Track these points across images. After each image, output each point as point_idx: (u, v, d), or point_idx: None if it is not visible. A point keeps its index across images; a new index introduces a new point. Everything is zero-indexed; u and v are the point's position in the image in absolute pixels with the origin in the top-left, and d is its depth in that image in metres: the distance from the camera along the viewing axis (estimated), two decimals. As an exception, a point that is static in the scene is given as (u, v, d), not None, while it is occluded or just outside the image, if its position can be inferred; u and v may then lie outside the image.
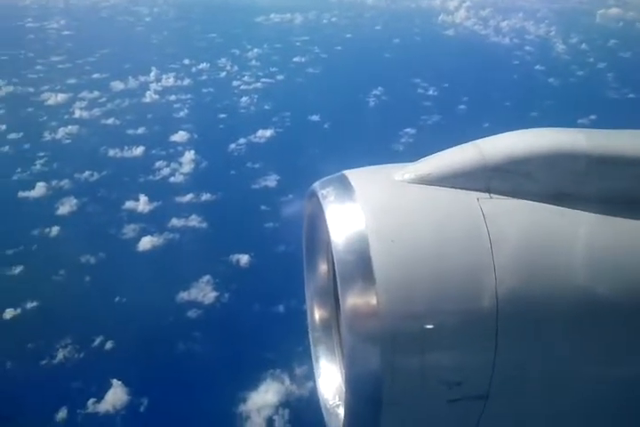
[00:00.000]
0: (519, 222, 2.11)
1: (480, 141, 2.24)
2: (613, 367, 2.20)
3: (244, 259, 41.70)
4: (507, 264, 2.02)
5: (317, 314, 2.55)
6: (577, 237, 2.13)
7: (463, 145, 2.27)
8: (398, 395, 2.02)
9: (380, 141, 59.60)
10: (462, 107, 75.66)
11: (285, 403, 29.74)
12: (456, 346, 2.04)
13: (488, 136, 2.23)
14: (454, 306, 2.01)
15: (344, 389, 2.14)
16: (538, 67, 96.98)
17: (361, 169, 2.36)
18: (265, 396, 30.02)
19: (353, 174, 2.26)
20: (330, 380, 2.47)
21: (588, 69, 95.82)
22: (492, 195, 2.15)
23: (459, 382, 2.04)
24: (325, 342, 2.54)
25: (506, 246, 2.04)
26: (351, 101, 77.65)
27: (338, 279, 1.98)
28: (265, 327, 33.71)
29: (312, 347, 2.54)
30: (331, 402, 2.43)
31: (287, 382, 30.56)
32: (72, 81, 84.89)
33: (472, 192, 2.15)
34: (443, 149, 2.28)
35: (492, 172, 2.15)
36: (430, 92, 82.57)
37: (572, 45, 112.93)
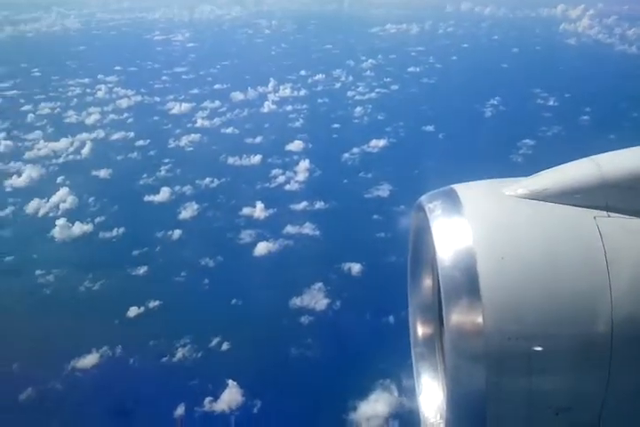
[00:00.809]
0: (638, 242, 2.01)
1: (598, 157, 2.18)
2: None
3: (355, 268, 41.79)
4: (624, 286, 1.93)
5: (420, 330, 2.52)
6: None
7: (580, 160, 2.21)
8: (502, 418, 1.97)
9: (498, 152, 58.10)
10: (585, 117, 72.71)
11: (395, 414, 29.44)
12: (566, 370, 1.96)
13: (612, 150, 2.20)
14: (566, 329, 1.94)
15: (445, 407, 2.10)
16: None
17: (470, 183, 2.32)
18: (375, 405, 29.85)
19: (462, 188, 2.23)
20: (431, 397, 2.42)
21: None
22: (610, 213, 2.07)
23: (568, 408, 1.97)
24: (428, 358, 2.50)
25: (624, 268, 1.95)
26: (467, 112, 76.34)
27: (443, 295, 1.95)
28: (375, 337, 33.56)
29: (414, 363, 2.50)
30: (432, 420, 2.40)
31: (396, 393, 30.27)
32: (195, 91, 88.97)
33: (589, 210, 2.07)
34: (563, 163, 2.23)
35: (611, 189, 2.07)
36: (551, 103, 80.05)
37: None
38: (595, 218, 2.06)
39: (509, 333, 1.91)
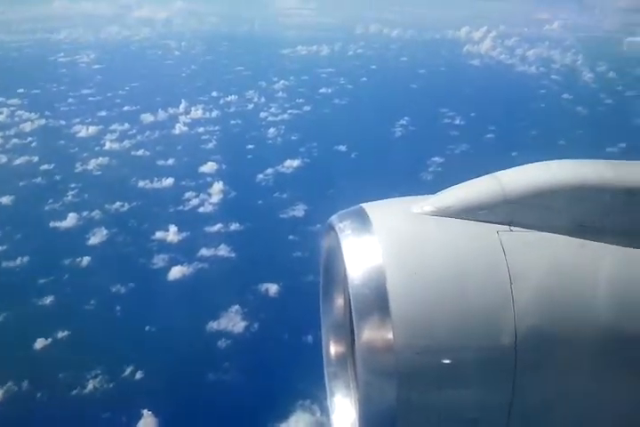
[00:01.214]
0: (540, 256, 2.08)
1: (500, 173, 2.24)
2: (637, 407, 2.11)
3: (272, 288, 41.66)
4: (526, 299, 1.99)
5: (333, 348, 2.50)
6: (599, 271, 2.08)
7: (483, 177, 2.26)
8: None
9: (408, 170, 59.63)
10: (490, 136, 75.75)
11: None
12: (473, 383, 2.00)
13: (517, 166, 2.24)
14: (472, 342, 1.98)
15: (358, 425, 2.11)
16: (565, 95, 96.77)
17: (379, 202, 2.34)
18: (296, 426, 29.65)
19: (371, 207, 2.24)
20: (344, 415, 2.41)
21: (616, 98, 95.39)
22: (512, 228, 2.13)
23: (476, 420, 2.02)
24: (341, 376, 2.49)
25: (526, 281, 2.01)
26: (378, 131, 78.14)
27: (353, 313, 1.96)
28: (294, 357, 33.38)
29: (327, 382, 2.49)
30: None
31: (318, 413, 30.13)
32: (103, 113, 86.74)
33: (492, 225, 2.13)
34: (471, 179, 2.28)
35: (513, 204, 2.13)
36: (457, 122, 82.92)
37: (599, 74, 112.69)
38: (498, 233, 2.12)
39: (418, 348, 1.93)
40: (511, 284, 2.00)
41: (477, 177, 2.28)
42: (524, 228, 2.14)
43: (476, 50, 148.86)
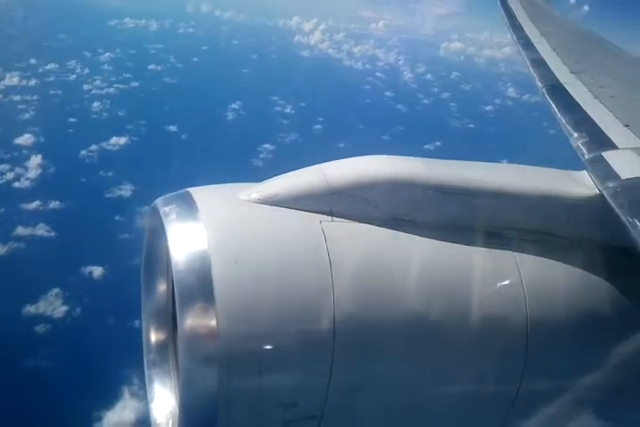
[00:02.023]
0: (358, 246, 2.21)
1: (325, 165, 2.37)
2: (445, 386, 2.32)
3: (97, 271, 39.98)
4: (345, 286, 2.10)
5: (154, 335, 2.47)
6: (411, 260, 2.27)
7: (309, 168, 2.38)
8: (234, 418, 2.03)
9: (240, 156, 59.72)
10: (318, 126, 77.82)
11: (143, 420, 28.75)
12: (292, 367, 2.08)
13: (343, 158, 2.40)
14: (293, 327, 2.06)
15: (177, 412, 2.12)
16: (388, 93, 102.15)
17: (206, 187, 2.37)
18: (122, 413, 28.89)
19: (197, 192, 2.26)
20: (163, 403, 2.39)
21: (433, 98, 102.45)
22: (334, 218, 2.25)
23: (294, 403, 2.10)
24: (161, 364, 2.45)
25: (345, 269, 2.12)
26: (209, 114, 77.21)
27: (177, 300, 1.96)
28: (120, 343, 32.37)
29: (146, 369, 2.46)
30: (163, 426, 2.39)
31: (145, 399, 29.57)
32: None
33: (315, 215, 2.24)
34: (300, 168, 2.39)
35: (335, 195, 2.27)
36: (288, 110, 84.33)
37: (418, 75, 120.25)
38: (320, 222, 2.21)
39: (241, 334, 1.97)
40: (331, 271, 2.10)
41: (306, 166, 2.38)
42: (345, 218, 2.25)
43: (306, 41, 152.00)
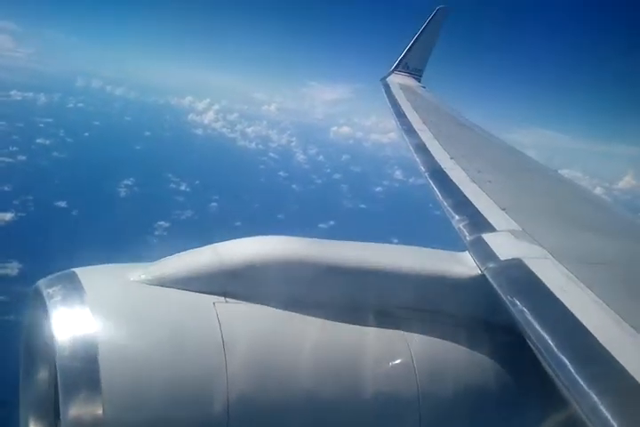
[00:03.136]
0: (252, 327, 2.21)
1: (219, 245, 2.38)
2: None
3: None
4: (238, 369, 2.08)
5: (33, 426, 2.27)
6: (304, 341, 2.27)
7: (203, 248, 2.38)
8: None
9: (133, 233, 58.12)
10: (214, 204, 77.66)
11: None
12: None
13: (239, 237, 2.45)
14: (185, 412, 1.99)
15: None
16: (282, 173, 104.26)
17: (94, 267, 2.29)
18: None
19: (84, 273, 2.18)
20: None
21: (325, 179, 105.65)
22: (227, 299, 2.23)
23: None
24: None
25: (238, 351, 2.10)
26: (101, 190, 75.12)
27: (60, 388, 1.86)
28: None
29: None
30: None
31: None
32: None
33: (209, 296, 2.20)
34: (197, 246, 2.40)
35: (229, 276, 2.25)
36: (182, 188, 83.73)
37: (310, 156, 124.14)
38: (214, 304, 2.18)
39: (130, 423, 1.90)
40: (225, 354, 2.06)
41: (202, 245, 2.39)
42: (239, 299, 2.23)
43: (199, 120, 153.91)
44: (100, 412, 1.82)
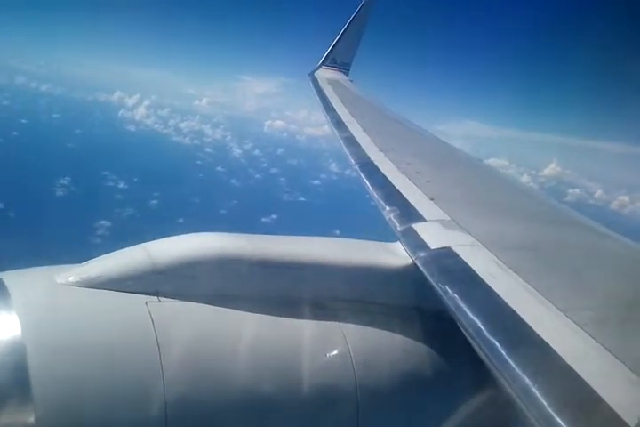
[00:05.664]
0: (186, 325, 2.21)
1: (149, 244, 2.40)
2: None
3: None
4: (174, 368, 2.08)
5: None
6: (239, 337, 2.28)
7: (132, 247, 2.40)
8: None
9: (76, 234, 56.94)
10: (155, 202, 76.57)
11: None
12: None
13: (179, 233, 2.50)
14: (121, 415, 1.97)
15: None
16: (219, 168, 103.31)
17: (19, 271, 2.26)
18: None
19: (10, 277, 2.15)
20: None
21: (263, 173, 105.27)
22: (160, 298, 2.22)
23: None
24: None
25: (173, 350, 2.09)
26: (37, 190, 72.93)
27: None
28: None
29: None
30: None
31: None
32: None
33: (141, 296, 2.19)
34: (138, 243, 2.41)
35: (160, 275, 2.25)
36: (121, 186, 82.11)
37: (246, 150, 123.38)
38: (146, 304, 2.17)
39: None
40: (159, 353, 2.04)
41: (140, 243, 2.40)
42: (171, 298, 2.23)
43: (130, 116, 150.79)
44: (31, 420, 1.78)
